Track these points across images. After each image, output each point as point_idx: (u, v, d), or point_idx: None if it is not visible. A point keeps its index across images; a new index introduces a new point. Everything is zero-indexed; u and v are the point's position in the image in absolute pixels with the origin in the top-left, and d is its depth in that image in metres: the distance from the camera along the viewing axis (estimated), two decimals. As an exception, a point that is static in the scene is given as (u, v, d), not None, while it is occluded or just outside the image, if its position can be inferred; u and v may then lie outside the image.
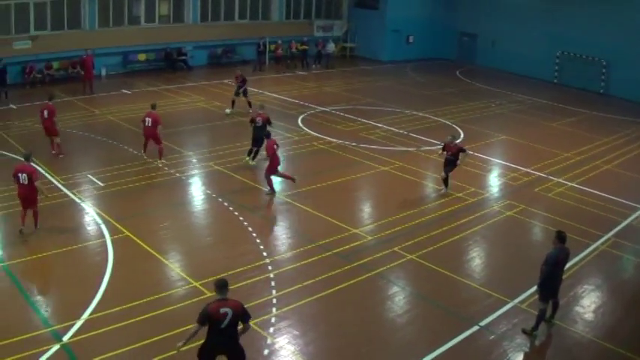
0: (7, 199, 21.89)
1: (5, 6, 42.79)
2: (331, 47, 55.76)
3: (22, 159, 21.17)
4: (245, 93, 36.70)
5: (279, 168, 24.80)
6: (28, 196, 20.30)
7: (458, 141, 26.33)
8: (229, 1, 54.43)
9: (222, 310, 11.99)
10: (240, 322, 12.25)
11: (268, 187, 24.45)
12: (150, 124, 27.20)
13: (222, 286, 12.28)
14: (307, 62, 54.89)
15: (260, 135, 26.83)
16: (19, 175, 20.11)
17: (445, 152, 25.04)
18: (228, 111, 33.88)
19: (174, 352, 12.59)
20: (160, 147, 27.59)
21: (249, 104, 36.36)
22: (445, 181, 25.14)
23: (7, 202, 21.89)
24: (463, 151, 25.08)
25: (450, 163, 24.98)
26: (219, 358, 12.50)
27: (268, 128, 26.78)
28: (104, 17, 48.02)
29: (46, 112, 27.59)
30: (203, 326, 12.08)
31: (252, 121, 27.81)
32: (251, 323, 12.54)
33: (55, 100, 28.82)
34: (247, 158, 27.91)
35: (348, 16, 61.66)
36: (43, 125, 27.88)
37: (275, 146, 24.22)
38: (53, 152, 27.82)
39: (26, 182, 20.07)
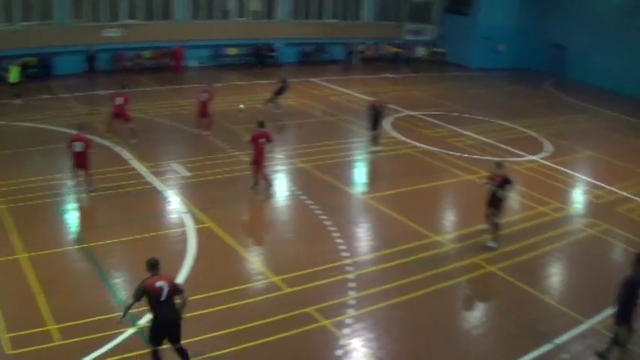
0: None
1: (98, -7, 44.17)
2: (421, 51, 55.49)
3: (76, 129, 23.33)
4: (278, 94, 36.72)
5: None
6: (82, 161, 22.73)
7: (500, 170, 21.48)
8: (321, 0, 54.87)
9: (158, 284, 12.85)
10: (176, 295, 13.09)
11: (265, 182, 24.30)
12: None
13: (154, 264, 13.20)
14: (398, 65, 54.71)
15: (379, 119, 29.81)
16: (74, 143, 22.57)
17: (491, 182, 21.25)
18: (242, 106, 33.93)
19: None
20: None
21: (274, 103, 36.72)
22: (495, 225, 21.15)
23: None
24: (509, 182, 20.92)
25: (495, 202, 21.02)
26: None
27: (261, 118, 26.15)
28: (196, 10, 48.84)
29: (119, 100, 28.80)
30: (137, 301, 12.87)
31: (373, 107, 29.43)
32: (326, 322, 12.72)
33: (128, 89, 30.43)
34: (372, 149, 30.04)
35: (439, 21, 61.32)
36: (115, 111, 28.96)
37: (261, 139, 23.65)
38: (107, 136, 28.95)
39: (80, 150, 22.57)
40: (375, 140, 29.99)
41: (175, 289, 13.07)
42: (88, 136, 23.34)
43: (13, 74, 35.56)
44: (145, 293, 12.78)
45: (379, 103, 29.84)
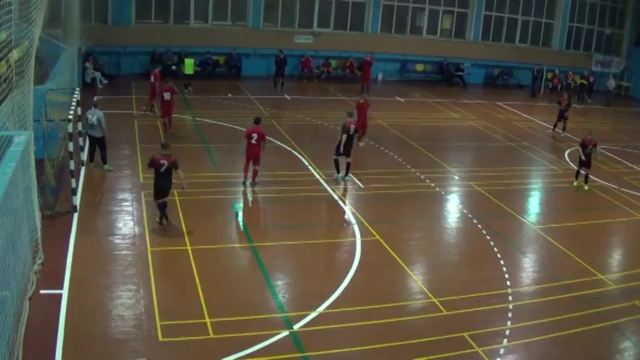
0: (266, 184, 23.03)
1: (291, 0, 45.10)
2: (611, 84, 53.09)
3: (254, 123, 23.72)
4: (564, 117, 37.48)
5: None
6: (256, 154, 23.46)
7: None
8: (511, 23, 54.05)
9: (162, 161, 19.30)
10: (173, 170, 19.44)
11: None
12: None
13: (165, 146, 19.98)
14: (582, 96, 52.75)
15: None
16: (253, 134, 23.18)
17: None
18: None
19: None
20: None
21: (561, 128, 37.60)
22: None
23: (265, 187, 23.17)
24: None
25: None
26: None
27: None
28: (387, 23, 49.44)
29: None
30: (150, 168, 19.69)
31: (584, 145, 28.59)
32: (479, 350, 12.78)
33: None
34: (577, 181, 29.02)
35: (627, 54, 58.67)
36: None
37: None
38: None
39: (256, 142, 23.24)
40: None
41: (173, 166, 19.37)
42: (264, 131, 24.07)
43: (188, 67, 40.12)
44: (152, 163, 19.44)
45: (589, 144, 28.74)
